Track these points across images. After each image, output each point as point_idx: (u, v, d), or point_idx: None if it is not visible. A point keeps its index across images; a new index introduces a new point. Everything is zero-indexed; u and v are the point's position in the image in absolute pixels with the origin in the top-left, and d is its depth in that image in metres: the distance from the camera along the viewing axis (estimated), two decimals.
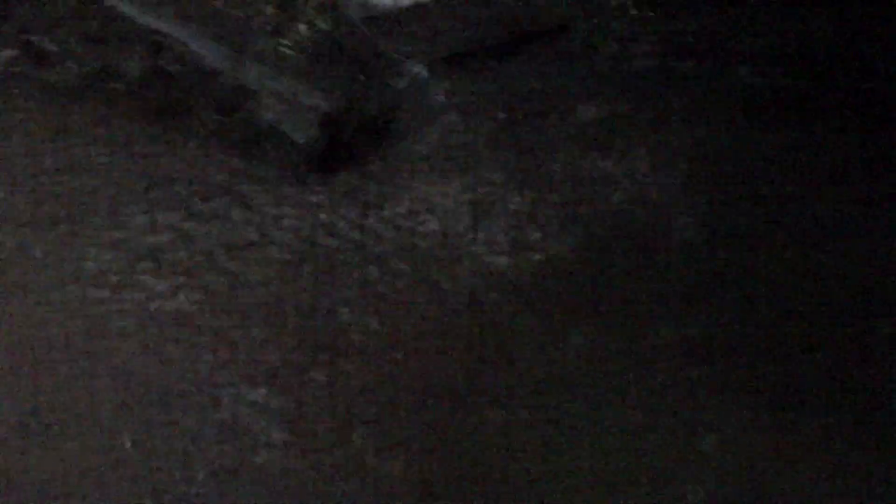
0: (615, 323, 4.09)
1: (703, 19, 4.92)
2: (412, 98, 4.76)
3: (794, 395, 3.93)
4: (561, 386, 3.93)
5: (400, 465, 3.75)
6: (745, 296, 4.18)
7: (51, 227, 4.24)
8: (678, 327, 4.08)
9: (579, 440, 3.84)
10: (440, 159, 4.55)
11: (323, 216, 4.34)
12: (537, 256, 4.25)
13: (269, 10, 4.76)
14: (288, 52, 4.67)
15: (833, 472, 3.76)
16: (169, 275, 4.13)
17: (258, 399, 3.88)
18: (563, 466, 3.77)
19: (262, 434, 3.81)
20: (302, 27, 4.76)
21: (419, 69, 4.86)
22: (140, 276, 4.11)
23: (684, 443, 3.81)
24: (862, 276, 4.24)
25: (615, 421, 3.86)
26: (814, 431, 3.84)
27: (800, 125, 4.63)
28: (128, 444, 3.74)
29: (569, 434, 3.85)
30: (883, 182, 4.49)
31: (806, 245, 4.33)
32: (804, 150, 4.58)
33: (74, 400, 3.85)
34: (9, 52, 4.75)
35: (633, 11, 4.95)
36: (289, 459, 3.77)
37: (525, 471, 3.77)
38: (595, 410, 3.89)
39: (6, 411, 3.79)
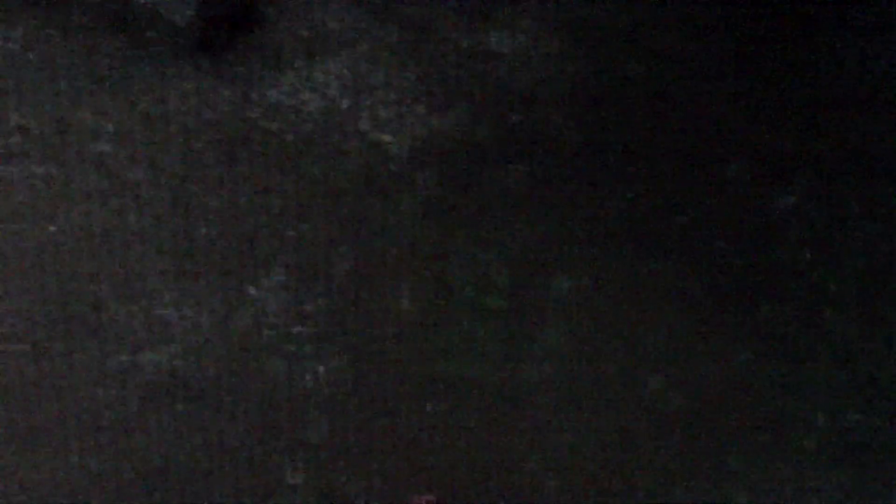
0: (496, 194, 4.13)
1: None
2: None
3: (650, 239, 4.01)
4: (444, 259, 3.97)
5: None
6: (626, 164, 4.24)
7: None
8: (556, 197, 4.14)
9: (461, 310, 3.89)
10: (321, 38, 4.53)
11: (205, 99, 4.31)
12: (423, 132, 4.26)
13: None
14: None
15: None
16: (48, 161, 4.09)
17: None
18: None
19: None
20: None
21: None
22: (23, 170, 4.08)
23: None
24: (735, 147, 4.32)
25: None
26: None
27: None
28: None
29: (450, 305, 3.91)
30: (763, 42, 4.56)
31: (683, 108, 4.40)
32: (686, 14, 4.64)
33: None
34: None
35: None
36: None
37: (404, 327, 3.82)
38: (479, 284, 3.94)
39: None
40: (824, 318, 3.83)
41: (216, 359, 3.66)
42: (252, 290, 3.82)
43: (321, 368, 3.65)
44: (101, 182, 4.05)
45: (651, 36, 4.56)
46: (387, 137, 4.23)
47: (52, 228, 3.92)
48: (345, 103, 4.31)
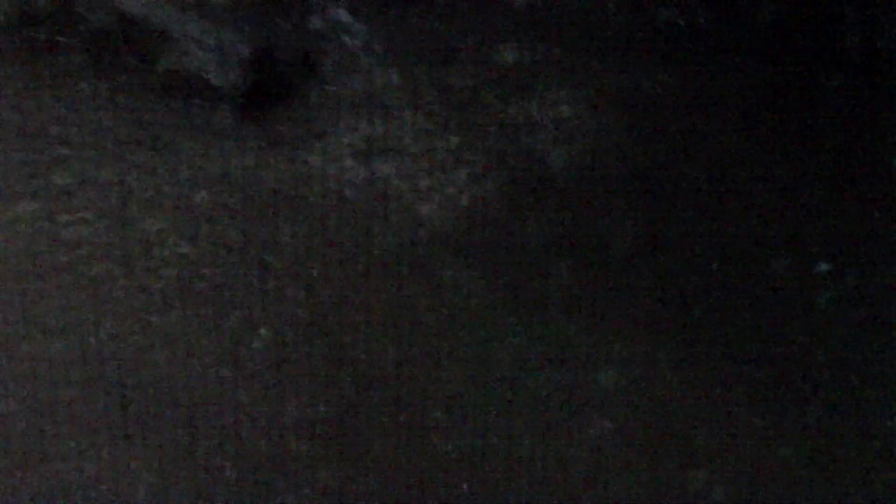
0: (538, 265, 4.13)
1: None
2: (334, 41, 4.75)
3: (695, 336, 4.00)
4: (487, 325, 3.97)
5: (318, 404, 3.79)
6: (666, 233, 4.23)
7: None
8: (596, 270, 4.13)
9: (503, 379, 3.89)
10: (364, 104, 4.55)
11: (248, 162, 4.33)
12: (463, 202, 4.27)
13: None
14: None
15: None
16: (96, 224, 4.10)
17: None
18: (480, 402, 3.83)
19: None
20: None
21: (340, 12, 4.84)
22: (67, 229, 4.09)
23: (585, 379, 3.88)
24: (765, 216, 4.30)
25: (531, 360, 3.91)
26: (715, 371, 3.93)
27: (721, 64, 4.68)
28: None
29: (491, 371, 3.90)
30: (803, 121, 4.56)
31: (725, 182, 4.39)
32: (725, 88, 4.63)
33: None
34: None
35: None
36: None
37: (442, 402, 3.82)
38: (516, 346, 3.93)
39: None
40: (869, 419, 3.82)
41: None
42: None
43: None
44: (144, 245, 4.05)
45: (699, 111, 4.56)
46: (427, 206, 4.23)
47: (91, 291, 3.93)
48: (386, 170, 4.32)
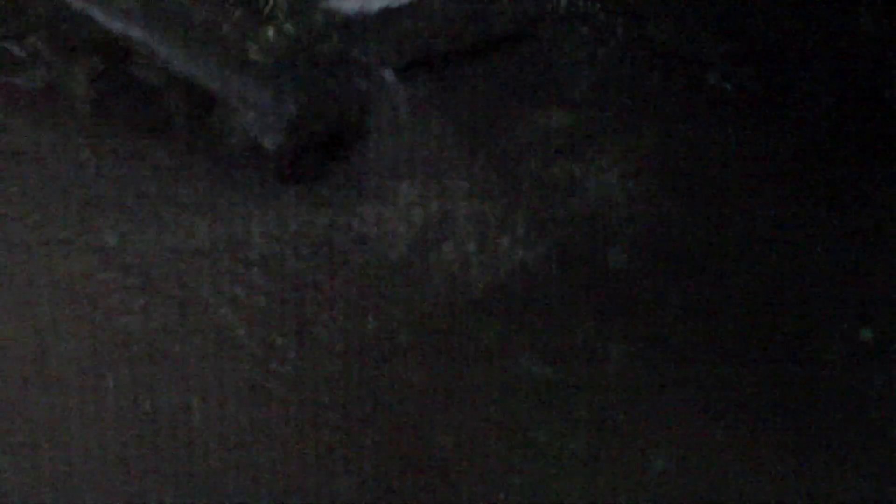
0: (586, 330, 4.11)
1: (671, 23, 4.93)
2: (380, 103, 4.76)
3: (740, 403, 3.95)
4: (531, 396, 3.95)
5: (367, 467, 3.77)
6: (712, 301, 4.20)
7: (16, 239, 4.21)
8: (644, 334, 4.10)
9: (543, 451, 3.86)
10: (409, 165, 4.55)
11: (293, 223, 4.33)
12: (507, 264, 4.26)
13: (237, 14, 4.75)
14: (256, 57, 4.66)
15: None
16: (139, 285, 4.11)
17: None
18: (523, 470, 3.80)
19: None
20: (270, 31, 4.75)
21: (387, 74, 4.86)
22: (111, 288, 4.10)
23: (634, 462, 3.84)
24: (816, 282, 4.26)
25: (575, 432, 3.88)
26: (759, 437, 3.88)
27: (768, 129, 4.65)
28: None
29: (532, 443, 3.87)
30: (848, 186, 4.52)
31: (771, 248, 4.36)
32: (772, 154, 4.61)
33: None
34: None
35: (601, 15, 4.95)
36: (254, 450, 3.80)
37: (484, 474, 3.80)
38: (559, 420, 3.90)
39: None
40: None
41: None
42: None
43: None
44: (185, 306, 4.06)
45: (746, 176, 4.54)
46: (472, 270, 4.22)
47: (130, 350, 3.94)
48: (430, 234, 4.31)
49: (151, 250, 4.20)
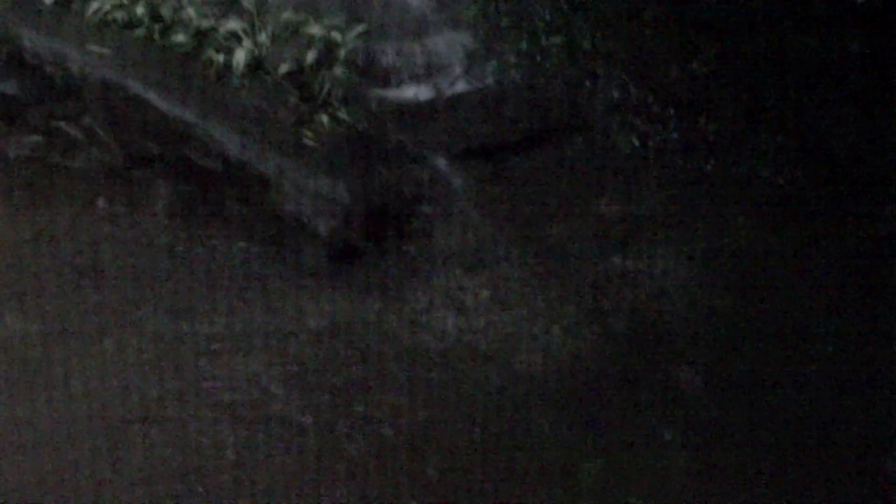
0: (639, 422, 4.07)
1: (725, 117, 4.94)
2: (434, 191, 4.78)
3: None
4: (582, 484, 3.91)
5: None
6: (762, 398, 4.16)
7: (68, 313, 4.23)
8: (696, 426, 4.07)
9: None
10: (461, 254, 4.56)
11: (344, 309, 4.34)
12: (559, 354, 4.24)
13: (293, 100, 4.79)
14: (311, 143, 4.70)
15: None
16: (190, 367, 4.11)
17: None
18: None
19: None
20: (324, 118, 4.79)
21: (440, 162, 4.88)
22: (162, 368, 4.11)
23: None
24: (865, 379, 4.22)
25: None
26: None
27: (822, 225, 4.64)
28: None
29: None
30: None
31: (821, 342, 4.32)
32: (825, 249, 4.59)
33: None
34: (35, 138, 4.79)
35: (655, 107, 4.98)
36: None
37: None
38: None
39: None
40: None
41: None
42: None
43: None
44: (238, 384, 4.06)
45: (799, 269, 4.52)
46: (522, 358, 4.21)
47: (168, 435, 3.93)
48: (481, 321, 4.31)
49: (203, 332, 4.21)
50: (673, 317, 4.40)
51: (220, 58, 4.84)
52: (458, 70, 5.16)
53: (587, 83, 5.05)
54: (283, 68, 4.83)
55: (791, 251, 4.60)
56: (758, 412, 4.07)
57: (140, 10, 4.90)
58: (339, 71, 4.88)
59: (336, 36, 4.98)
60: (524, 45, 5.09)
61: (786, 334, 4.31)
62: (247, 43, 4.85)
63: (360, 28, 5.07)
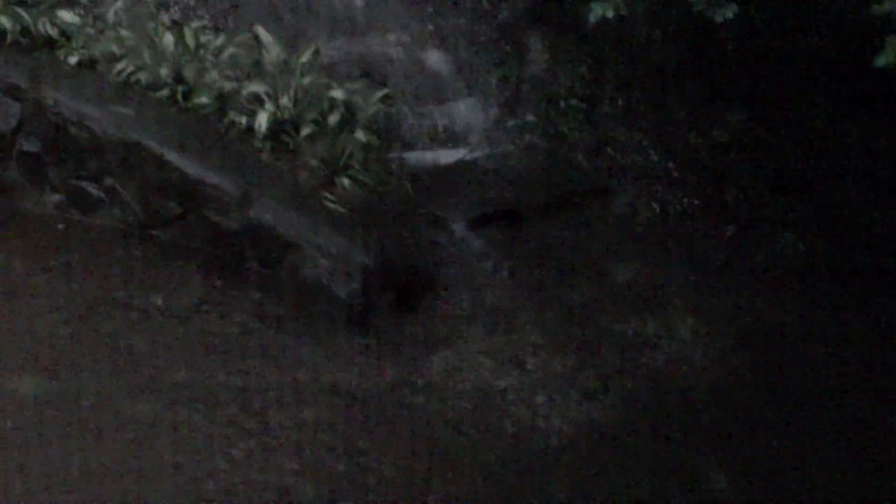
0: (658, 487, 4.05)
1: (747, 184, 4.96)
2: (454, 254, 4.78)
3: None
4: None
5: None
6: (785, 461, 4.14)
7: (88, 373, 4.22)
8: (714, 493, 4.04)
9: None
10: (480, 317, 4.55)
11: (364, 371, 4.32)
12: (578, 418, 4.22)
13: (314, 163, 4.81)
14: (331, 205, 4.71)
15: None
16: (205, 425, 4.08)
17: None
18: None
19: None
20: (345, 181, 4.80)
21: (460, 226, 4.89)
22: (176, 428, 4.08)
23: None
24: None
25: None
26: None
27: (845, 294, 4.63)
28: None
29: None
30: None
31: (848, 419, 4.29)
32: (849, 319, 4.58)
33: None
34: (57, 197, 4.80)
35: (676, 174, 4.99)
36: None
37: None
38: None
39: None
40: None
41: None
42: None
43: None
44: (249, 451, 4.02)
45: (819, 339, 4.51)
46: (540, 421, 4.19)
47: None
48: (500, 384, 4.30)
49: (219, 395, 4.18)
50: (694, 386, 4.37)
51: (243, 120, 4.86)
52: (478, 134, 5.18)
53: (608, 148, 5.07)
54: (305, 131, 4.85)
55: (813, 320, 4.59)
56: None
57: (164, 71, 4.93)
58: (360, 134, 4.90)
59: (358, 100, 5.01)
60: (544, 110, 5.12)
61: (807, 408, 4.28)
62: (269, 106, 4.87)
63: (381, 92, 5.10)
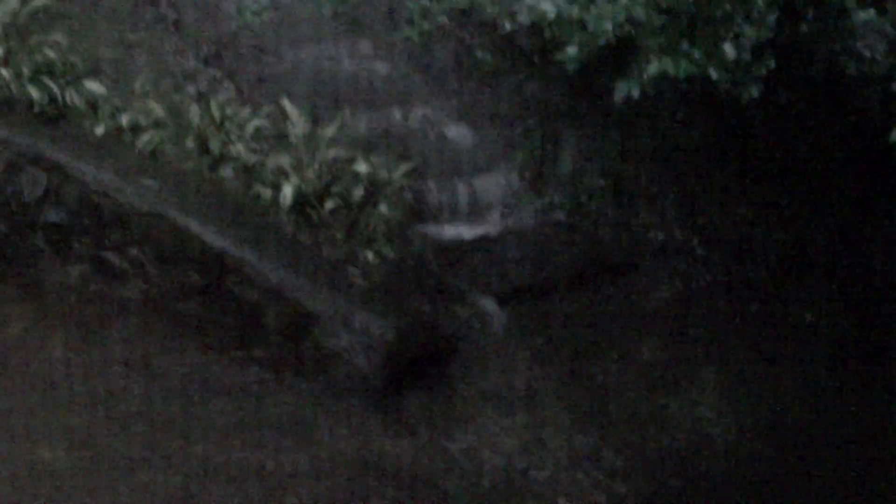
0: None
1: (770, 261, 4.95)
2: (477, 330, 4.77)
3: None
4: None
5: None
6: None
7: (108, 444, 4.20)
8: None
9: None
10: (502, 394, 4.53)
11: (384, 446, 4.30)
12: (601, 498, 4.19)
13: (338, 236, 4.81)
14: (355, 278, 4.71)
15: None
16: (224, 501, 4.05)
17: None
18: None
19: None
20: (369, 255, 4.80)
21: (484, 301, 4.88)
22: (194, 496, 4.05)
23: None
24: None
25: None
26: None
27: (867, 372, 4.61)
28: None
29: None
30: None
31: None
32: (871, 397, 4.55)
33: None
34: (81, 268, 4.80)
35: (699, 250, 4.99)
36: None
37: None
38: None
39: None
40: None
41: None
42: None
43: None
44: None
45: (839, 422, 4.47)
46: (563, 501, 4.16)
47: None
48: (522, 463, 4.27)
49: (240, 468, 4.16)
50: (715, 468, 4.33)
51: (268, 192, 4.88)
52: (502, 209, 5.19)
53: (631, 224, 5.07)
54: (330, 204, 4.86)
55: (837, 402, 4.57)
56: None
57: (189, 143, 4.95)
58: (384, 208, 4.91)
59: (382, 173, 5.02)
60: (568, 186, 5.12)
61: (832, 495, 4.24)
62: (294, 179, 4.89)
63: (406, 166, 5.11)
